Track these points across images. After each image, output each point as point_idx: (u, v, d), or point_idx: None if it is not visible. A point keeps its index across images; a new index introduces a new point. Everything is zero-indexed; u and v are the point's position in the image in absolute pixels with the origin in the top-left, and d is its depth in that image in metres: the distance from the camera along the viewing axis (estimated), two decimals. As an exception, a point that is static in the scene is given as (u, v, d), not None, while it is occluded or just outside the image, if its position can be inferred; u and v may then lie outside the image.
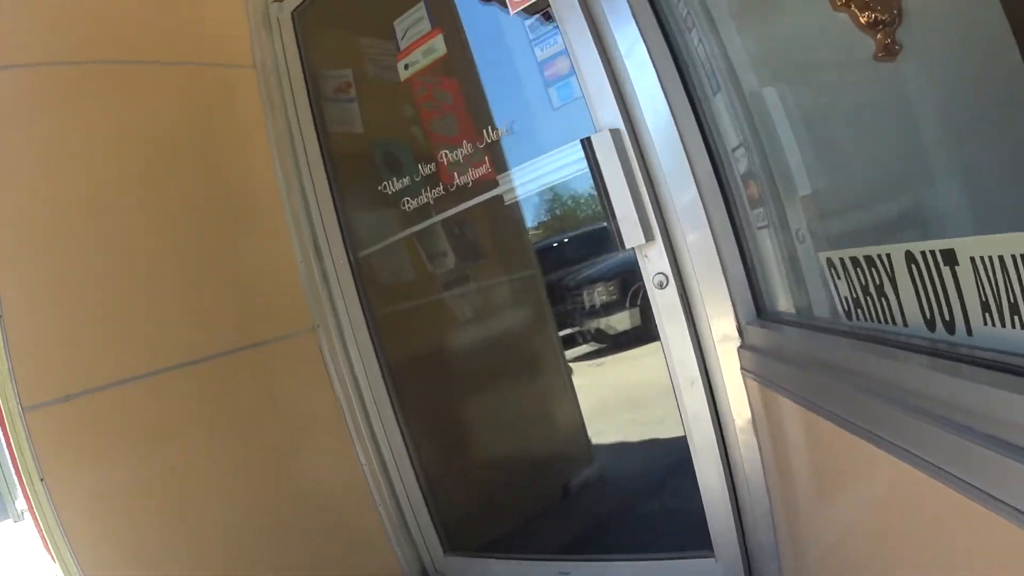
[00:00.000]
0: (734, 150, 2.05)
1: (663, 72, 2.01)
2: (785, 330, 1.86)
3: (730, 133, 2.04)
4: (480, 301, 3.30)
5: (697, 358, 2.06)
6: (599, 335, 3.33)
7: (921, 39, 1.67)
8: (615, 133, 2.04)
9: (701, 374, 2.06)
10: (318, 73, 2.98)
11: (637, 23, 2.02)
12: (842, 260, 1.43)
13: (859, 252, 1.35)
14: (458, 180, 2.79)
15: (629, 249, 2.07)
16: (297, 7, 2.95)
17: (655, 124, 2.04)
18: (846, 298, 1.47)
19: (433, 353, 3.26)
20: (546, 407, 3.28)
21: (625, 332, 3.16)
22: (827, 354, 1.48)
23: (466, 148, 2.78)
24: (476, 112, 3.09)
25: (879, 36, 1.61)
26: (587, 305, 3.26)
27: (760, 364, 1.88)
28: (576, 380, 3.18)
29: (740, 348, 1.99)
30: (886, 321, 1.28)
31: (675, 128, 2.00)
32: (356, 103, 3.04)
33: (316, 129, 2.96)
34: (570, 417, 3.16)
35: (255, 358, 2.71)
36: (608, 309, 3.19)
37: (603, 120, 2.08)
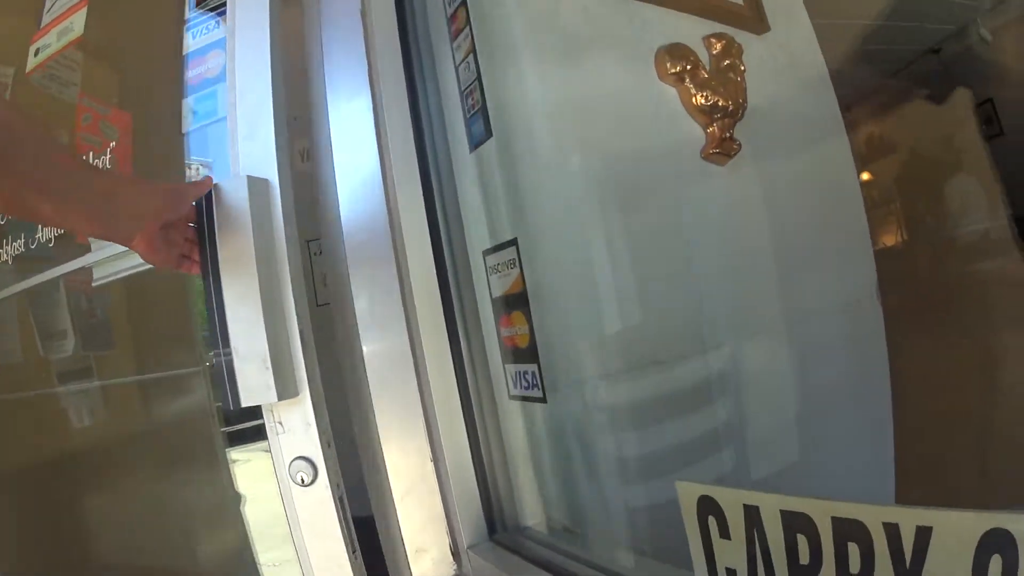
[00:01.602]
0: (490, 252, 1.24)
1: (388, 93, 1.17)
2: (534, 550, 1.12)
3: (481, 223, 1.26)
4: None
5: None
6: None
7: (765, 143, 1.42)
8: (258, 185, 1.04)
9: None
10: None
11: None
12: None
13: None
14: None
15: (245, 407, 1.02)
16: None
17: (349, 173, 1.16)
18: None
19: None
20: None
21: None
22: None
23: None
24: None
25: (713, 128, 1.28)
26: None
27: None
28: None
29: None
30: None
31: (381, 184, 1.14)
32: None
33: None
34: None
35: None
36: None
37: (248, 161, 1.09)
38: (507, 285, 1.19)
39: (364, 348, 1.13)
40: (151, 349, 2.24)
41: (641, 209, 1.24)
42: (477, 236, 1.25)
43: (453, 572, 1.18)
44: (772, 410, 1.35)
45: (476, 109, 1.23)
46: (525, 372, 1.19)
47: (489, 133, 1.21)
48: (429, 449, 1.14)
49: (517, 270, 1.17)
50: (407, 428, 1.14)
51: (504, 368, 1.23)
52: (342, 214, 1.15)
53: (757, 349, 1.35)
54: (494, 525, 1.21)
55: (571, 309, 1.20)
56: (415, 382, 1.12)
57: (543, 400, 1.18)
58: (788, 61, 1.55)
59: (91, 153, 1.60)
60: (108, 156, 1.57)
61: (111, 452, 2.15)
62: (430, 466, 1.14)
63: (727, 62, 1.38)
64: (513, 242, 1.18)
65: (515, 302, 1.18)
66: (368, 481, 1.19)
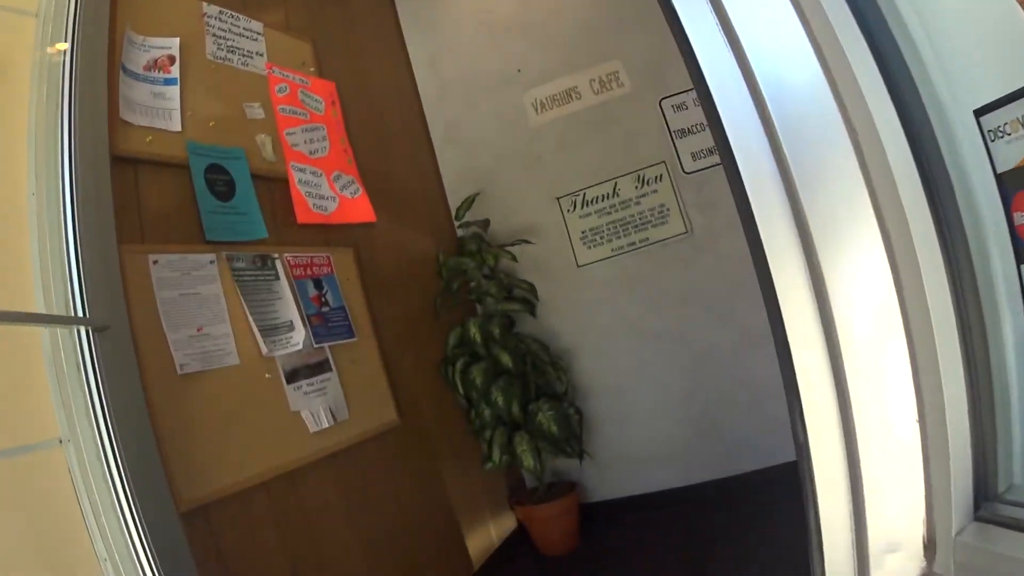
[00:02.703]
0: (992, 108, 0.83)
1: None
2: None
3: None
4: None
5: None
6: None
7: None
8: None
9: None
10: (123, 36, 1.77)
11: None
12: None
13: None
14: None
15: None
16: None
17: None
18: None
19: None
20: None
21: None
22: None
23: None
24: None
25: None
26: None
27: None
28: None
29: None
30: None
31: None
32: (178, 87, 1.84)
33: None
34: None
35: None
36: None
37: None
38: None
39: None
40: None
41: None
42: (958, 87, 0.84)
43: (921, 572, 0.86)
44: None
45: None
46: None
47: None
48: (914, 405, 0.82)
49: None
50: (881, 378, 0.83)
51: (1020, 269, 0.84)
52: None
53: None
54: (978, 499, 0.86)
55: None
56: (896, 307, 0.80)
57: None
58: None
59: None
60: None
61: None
62: (913, 430, 0.83)
63: None
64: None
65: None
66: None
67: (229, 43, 2.08)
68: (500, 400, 2.65)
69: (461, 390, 2.69)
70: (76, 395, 1.27)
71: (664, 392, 2.95)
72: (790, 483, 0.99)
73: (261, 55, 2.20)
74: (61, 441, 1.29)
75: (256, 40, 2.19)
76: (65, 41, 1.49)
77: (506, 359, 2.75)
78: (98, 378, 1.26)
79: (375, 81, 2.96)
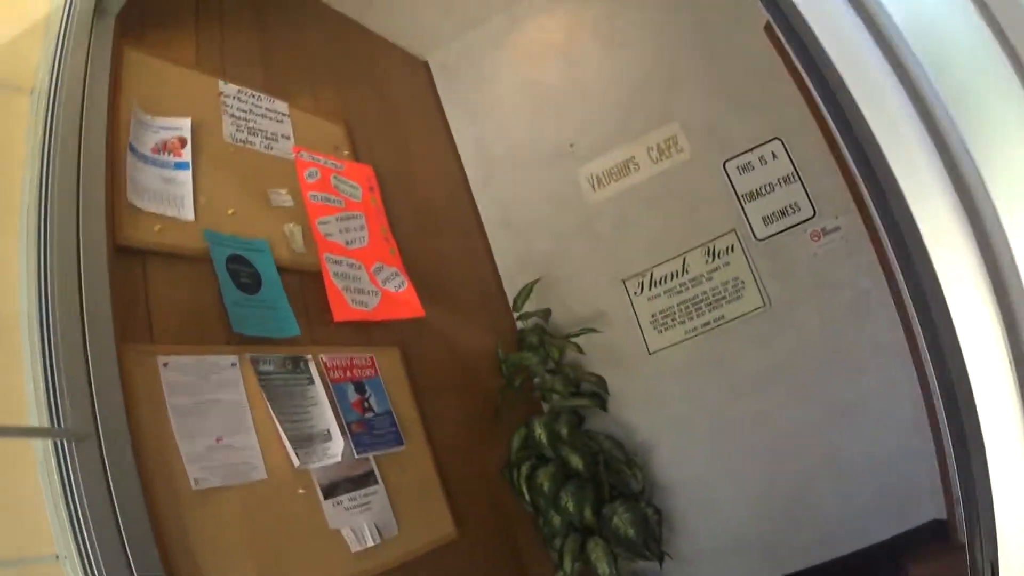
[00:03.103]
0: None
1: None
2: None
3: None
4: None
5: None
6: None
7: None
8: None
9: None
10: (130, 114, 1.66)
11: None
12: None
13: None
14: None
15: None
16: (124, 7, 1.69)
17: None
18: None
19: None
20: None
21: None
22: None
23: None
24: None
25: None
26: None
27: None
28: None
29: None
30: None
31: None
32: (190, 172, 1.70)
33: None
34: None
35: None
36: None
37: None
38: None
39: None
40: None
41: None
42: None
43: None
44: None
45: None
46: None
47: None
48: None
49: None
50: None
51: None
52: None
53: None
54: None
55: None
56: None
57: None
58: None
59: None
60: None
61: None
62: None
63: None
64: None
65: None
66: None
67: (250, 124, 1.97)
68: (571, 506, 2.39)
69: (527, 497, 2.42)
70: (61, 509, 1.15)
71: (747, 479, 2.65)
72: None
73: (287, 138, 2.08)
74: (58, 557, 1.17)
75: (281, 122, 2.08)
76: (57, 118, 1.37)
77: (576, 460, 2.50)
78: (76, 492, 1.14)
79: (418, 165, 2.83)
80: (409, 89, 3.12)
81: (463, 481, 2.17)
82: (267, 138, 2.03)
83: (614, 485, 2.60)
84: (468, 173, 3.20)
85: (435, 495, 2.02)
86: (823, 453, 2.56)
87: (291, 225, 1.97)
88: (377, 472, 1.83)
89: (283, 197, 2.00)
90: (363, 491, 1.77)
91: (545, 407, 2.79)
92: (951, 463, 1.36)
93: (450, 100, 3.26)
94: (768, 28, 2.54)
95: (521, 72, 3.13)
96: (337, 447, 1.73)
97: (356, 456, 1.78)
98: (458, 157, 3.22)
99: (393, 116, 2.85)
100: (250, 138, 1.97)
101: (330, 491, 1.68)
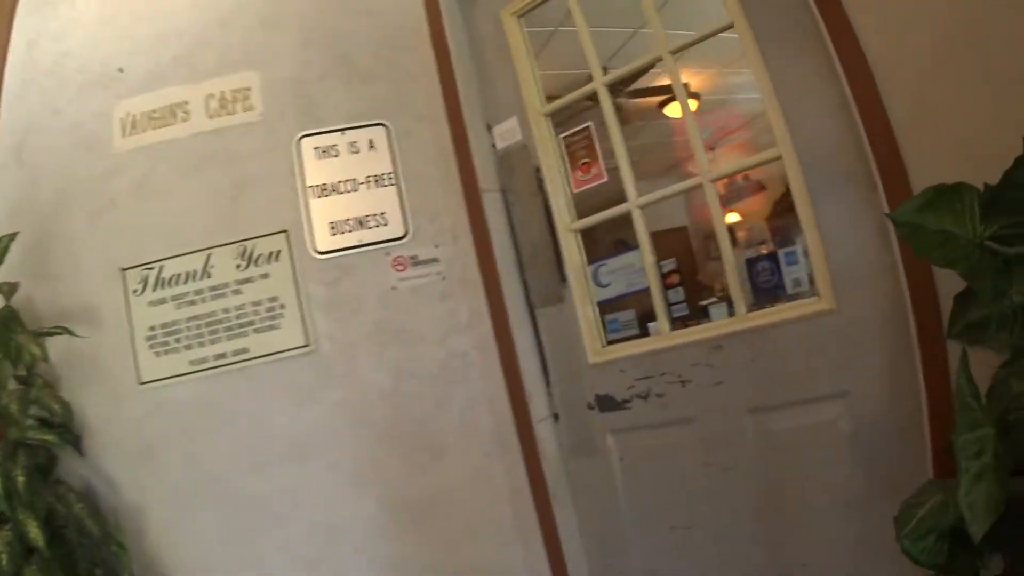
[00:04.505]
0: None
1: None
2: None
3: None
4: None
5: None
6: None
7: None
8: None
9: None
10: None
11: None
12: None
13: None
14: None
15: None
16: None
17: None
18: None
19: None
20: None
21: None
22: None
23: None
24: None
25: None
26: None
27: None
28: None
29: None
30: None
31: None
32: None
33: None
34: None
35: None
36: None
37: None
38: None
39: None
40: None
41: None
42: None
43: None
44: None
45: None
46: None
47: None
48: None
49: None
50: None
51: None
52: None
53: None
54: None
55: None
56: None
57: None
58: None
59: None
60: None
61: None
62: None
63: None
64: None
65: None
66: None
67: None
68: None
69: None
70: None
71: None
72: None
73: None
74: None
75: None
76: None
77: (35, 532, 1.63)
78: None
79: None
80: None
81: None
82: None
83: (98, 564, 1.76)
84: (6, 81, 2.20)
85: None
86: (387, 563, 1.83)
87: None
88: None
89: None
90: None
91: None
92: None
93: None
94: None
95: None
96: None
97: None
98: (4, 57, 2.22)
99: None
100: None
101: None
